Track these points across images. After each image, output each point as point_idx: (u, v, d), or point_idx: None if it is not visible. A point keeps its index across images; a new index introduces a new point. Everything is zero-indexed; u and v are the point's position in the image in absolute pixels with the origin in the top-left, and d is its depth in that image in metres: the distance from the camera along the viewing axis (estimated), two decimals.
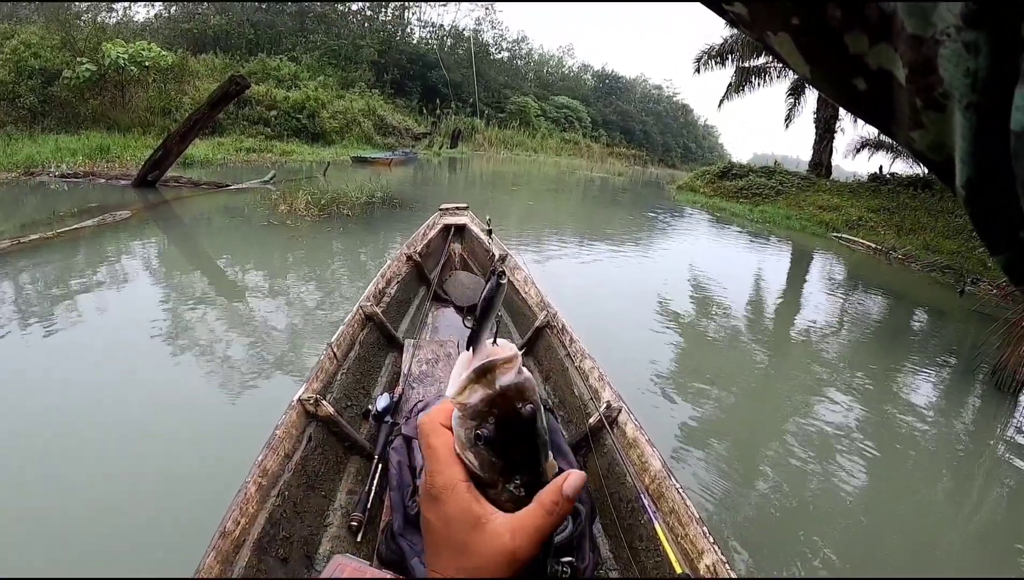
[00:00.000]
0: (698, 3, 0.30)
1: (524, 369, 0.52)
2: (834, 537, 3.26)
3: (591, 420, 2.75)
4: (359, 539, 2.34)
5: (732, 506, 3.40)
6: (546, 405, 2.52)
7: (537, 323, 3.85)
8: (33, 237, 6.88)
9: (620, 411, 2.66)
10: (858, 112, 0.27)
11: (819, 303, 7.67)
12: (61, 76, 18.19)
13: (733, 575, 1.81)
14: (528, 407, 0.50)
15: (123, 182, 12.33)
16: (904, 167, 22.02)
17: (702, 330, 6.45)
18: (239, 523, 1.93)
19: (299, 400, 2.50)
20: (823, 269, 9.60)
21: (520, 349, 3.78)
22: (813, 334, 6.56)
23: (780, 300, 7.96)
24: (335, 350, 3.03)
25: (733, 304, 7.27)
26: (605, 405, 2.69)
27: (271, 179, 14.20)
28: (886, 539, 3.27)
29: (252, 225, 9.46)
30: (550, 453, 0.53)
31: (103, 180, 12.62)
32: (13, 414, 3.59)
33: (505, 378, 0.50)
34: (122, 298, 5.70)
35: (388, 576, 2.10)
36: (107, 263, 6.72)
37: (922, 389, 5.25)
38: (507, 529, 0.48)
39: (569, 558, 1.94)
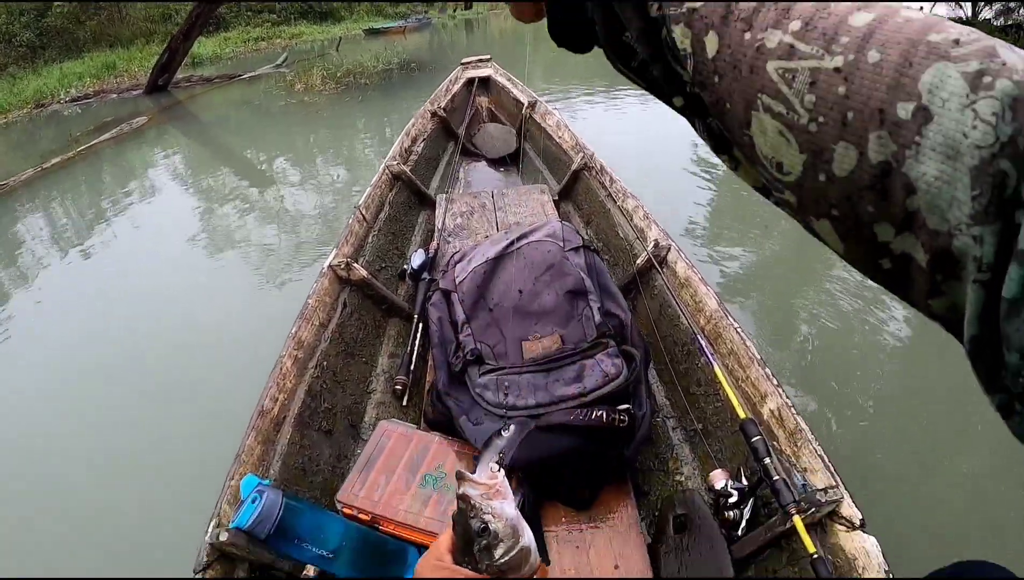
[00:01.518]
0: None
1: (498, 501, 0.74)
2: (881, 380, 3.12)
3: (639, 261, 2.54)
4: (405, 403, 2.25)
5: (782, 353, 3.25)
6: (591, 245, 2.31)
7: (574, 166, 3.57)
8: (54, 161, 6.74)
9: (669, 250, 2.43)
10: (881, 283, 0.32)
11: None
12: (53, 5, 17.57)
13: (800, 420, 1.64)
14: (476, 522, 0.71)
15: (135, 92, 12.05)
16: None
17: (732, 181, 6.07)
18: (277, 400, 1.83)
19: (330, 266, 2.37)
20: None
21: (557, 195, 3.59)
22: None
23: None
24: (363, 212, 2.86)
25: None
26: (653, 244, 2.46)
27: (284, 62, 13.69)
28: (930, 382, 3.11)
29: (270, 110, 9.19)
30: (536, 557, 0.75)
31: (114, 95, 12.34)
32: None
33: (467, 489, 0.73)
34: (151, 202, 5.64)
35: (436, 437, 2.05)
36: (129, 171, 6.60)
37: None
38: None
39: (626, 406, 1.80)
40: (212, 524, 1.43)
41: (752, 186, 0.37)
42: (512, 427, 1.56)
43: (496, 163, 4.44)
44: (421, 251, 2.69)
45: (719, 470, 1.69)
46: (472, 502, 0.74)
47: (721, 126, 0.35)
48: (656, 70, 0.37)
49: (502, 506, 0.75)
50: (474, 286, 2.15)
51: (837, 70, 0.28)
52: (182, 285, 4.09)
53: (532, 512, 1.72)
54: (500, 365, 1.94)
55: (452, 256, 2.37)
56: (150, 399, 3.07)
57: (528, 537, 0.78)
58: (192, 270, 4.33)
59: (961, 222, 0.25)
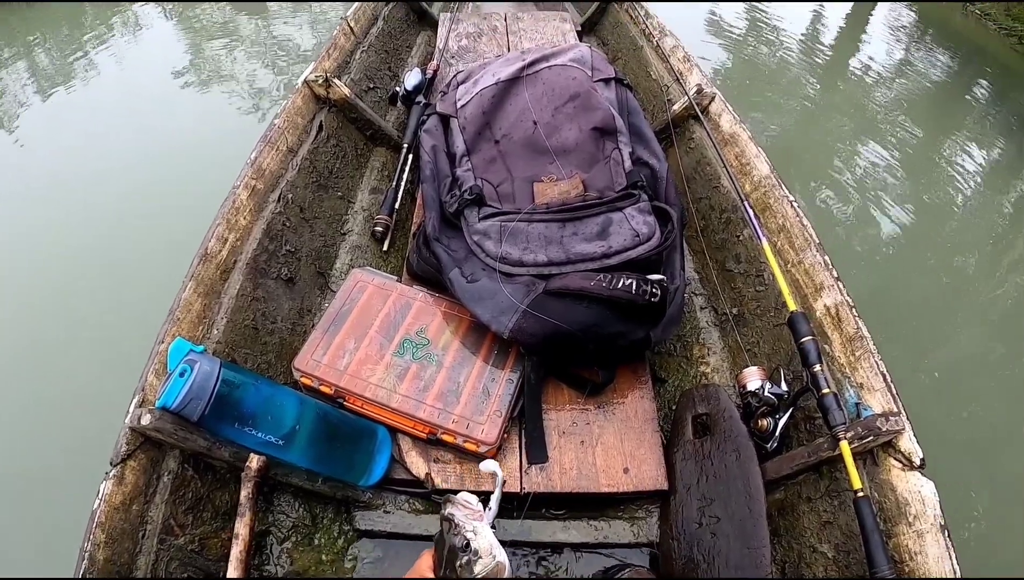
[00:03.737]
0: None
1: (479, 522, 0.89)
2: (866, 274, 3.01)
3: (675, 106, 2.15)
4: (385, 248, 1.93)
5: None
6: (624, 79, 1.88)
7: None
8: None
9: (713, 99, 2.05)
10: None
11: (879, 45, 6.50)
12: None
13: (862, 325, 1.32)
14: (460, 539, 0.85)
15: None
16: None
17: (749, 52, 5.63)
18: (226, 241, 1.49)
19: (305, 81, 1.98)
20: (889, 8, 8.20)
21: (580, 26, 3.11)
22: (868, 75, 5.64)
23: (837, 34, 6.82)
24: (351, 25, 2.41)
25: (786, 32, 6.22)
26: (695, 89, 2.05)
27: None
28: (912, 281, 3.04)
29: None
30: (508, 571, 0.87)
31: None
32: None
33: (453, 510, 0.90)
34: (136, 37, 5.17)
35: (420, 293, 1.60)
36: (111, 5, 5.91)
37: (973, 155, 4.55)
38: None
39: (659, 276, 1.45)
40: (134, 403, 1.14)
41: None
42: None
43: None
44: (417, 71, 2.24)
45: (755, 368, 1.40)
46: (456, 521, 0.87)
47: None
48: None
49: (483, 527, 0.87)
50: (479, 112, 1.73)
51: None
52: (163, 124, 3.72)
53: (533, 396, 1.42)
54: (505, 209, 1.56)
55: (455, 75, 1.94)
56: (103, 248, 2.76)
57: (502, 554, 0.87)
58: (176, 108, 3.97)
59: None
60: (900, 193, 3.73)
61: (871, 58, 6.00)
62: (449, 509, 0.89)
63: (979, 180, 4.17)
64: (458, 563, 0.84)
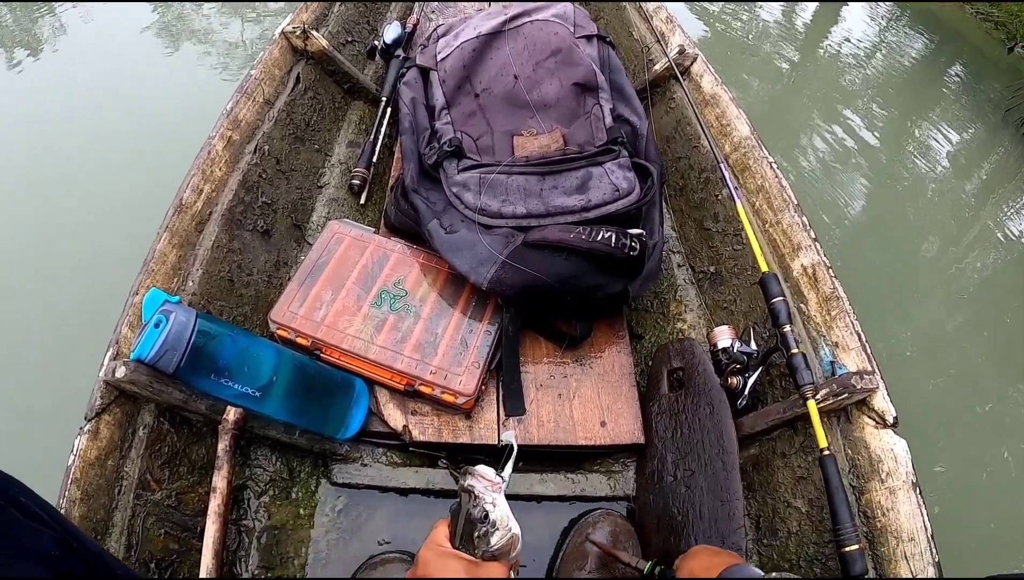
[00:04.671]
0: None
1: (498, 494, 0.88)
2: (835, 246, 3.04)
3: (656, 66, 2.14)
4: (363, 201, 1.90)
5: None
6: (607, 36, 1.87)
7: None
8: None
9: (695, 60, 2.05)
10: None
11: (857, 23, 6.52)
12: None
13: (839, 286, 1.35)
14: (479, 511, 0.86)
15: None
16: None
17: (725, 26, 5.58)
18: (201, 192, 1.46)
19: (283, 33, 1.94)
20: None
21: None
22: (844, 52, 5.66)
23: (814, 12, 6.82)
24: None
25: (762, 7, 6.18)
26: (676, 50, 2.05)
27: None
28: (868, 252, 3.08)
29: None
30: (520, 542, 0.88)
31: None
32: None
33: (473, 481, 0.88)
34: None
35: (398, 245, 1.62)
36: None
37: (944, 133, 4.59)
38: (500, 568, 0.84)
39: (639, 230, 1.45)
40: (108, 356, 1.11)
41: None
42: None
43: None
44: (397, 24, 2.19)
45: (725, 327, 1.43)
46: (477, 493, 0.87)
47: None
48: None
49: (501, 499, 0.88)
50: (459, 65, 1.71)
51: None
52: (136, 73, 3.60)
53: (511, 348, 1.42)
54: (484, 161, 1.55)
55: (436, 29, 1.91)
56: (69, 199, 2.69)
57: (516, 526, 0.89)
58: (145, 64, 3.80)
59: None
60: (869, 169, 3.77)
61: (847, 37, 6.00)
62: (469, 480, 0.89)
63: (948, 160, 4.20)
64: (476, 534, 0.86)
